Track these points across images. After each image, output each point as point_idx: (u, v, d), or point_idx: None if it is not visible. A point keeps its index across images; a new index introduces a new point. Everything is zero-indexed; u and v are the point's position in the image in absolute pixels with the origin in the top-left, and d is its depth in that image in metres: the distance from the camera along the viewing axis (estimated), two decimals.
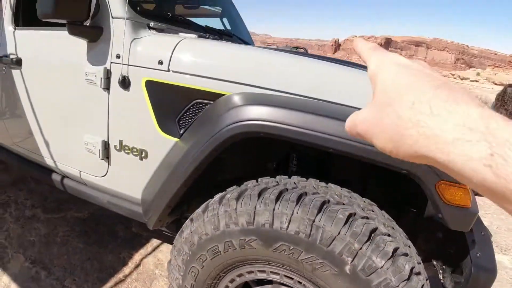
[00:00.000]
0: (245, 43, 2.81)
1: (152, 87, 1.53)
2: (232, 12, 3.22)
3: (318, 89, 1.28)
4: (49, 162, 2.12)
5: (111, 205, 1.83)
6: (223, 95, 1.38)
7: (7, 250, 2.35)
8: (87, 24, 1.67)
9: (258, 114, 1.18)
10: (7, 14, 2.17)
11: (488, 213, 4.19)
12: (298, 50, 1.99)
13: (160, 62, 1.49)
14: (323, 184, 1.30)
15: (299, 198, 1.16)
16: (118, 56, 1.61)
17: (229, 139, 1.23)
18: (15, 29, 2.12)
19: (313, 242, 1.06)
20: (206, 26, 2.29)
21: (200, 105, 1.45)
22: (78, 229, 2.66)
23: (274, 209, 1.14)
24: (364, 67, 1.84)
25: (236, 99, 1.28)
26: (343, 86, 1.31)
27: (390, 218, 1.27)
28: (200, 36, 1.74)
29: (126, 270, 2.27)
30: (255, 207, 1.17)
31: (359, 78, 1.33)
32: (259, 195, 1.19)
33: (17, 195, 3.12)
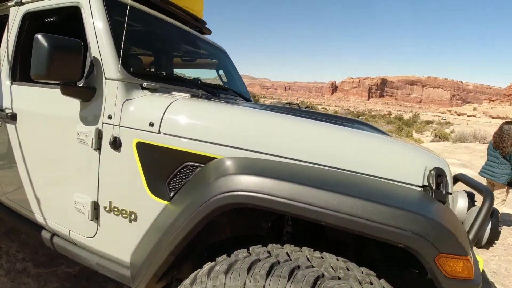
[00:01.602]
0: (240, 95, 2.81)
1: (143, 148, 1.49)
2: (228, 64, 3.26)
3: (311, 153, 1.26)
4: (39, 218, 2.05)
5: (100, 267, 1.74)
6: (214, 158, 1.34)
7: None
8: (81, 84, 1.67)
9: (246, 185, 1.12)
10: (5, 68, 2.18)
11: (496, 255, 4.04)
12: (291, 105, 1.97)
13: (151, 124, 1.47)
14: (317, 254, 1.22)
15: (291, 273, 1.08)
16: (110, 117, 1.58)
17: (217, 210, 1.17)
18: (11, 83, 2.12)
19: None
20: (200, 81, 2.30)
21: (191, 168, 1.41)
22: (68, 286, 2.53)
23: (264, 286, 1.07)
24: (354, 122, 1.82)
25: (225, 166, 1.24)
26: (337, 148, 1.29)
27: None
28: (193, 95, 1.72)
29: None
30: (245, 283, 1.09)
31: (351, 139, 1.33)
32: (249, 269, 1.12)
33: (9, 246, 3.02)
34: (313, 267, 1.14)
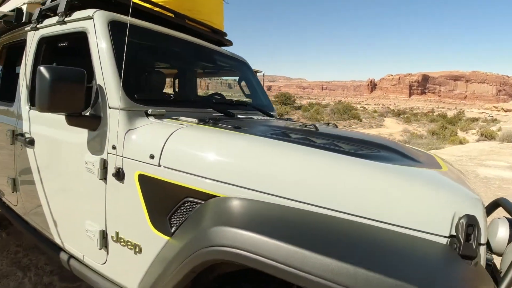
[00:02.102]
0: (260, 109, 2.72)
1: (145, 181, 1.45)
2: (249, 75, 3.19)
3: (318, 196, 1.13)
4: (57, 240, 2.09)
5: None
6: (214, 195, 1.27)
7: None
8: (88, 113, 1.66)
9: (240, 242, 1.02)
10: (24, 92, 2.24)
11: None
12: (307, 127, 1.85)
13: (152, 156, 1.42)
14: None
15: None
16: (114, 147, 1.56)
17: (208, 262, 1.10)
18: (30, 108, 2.17)
19: None
20: (214, 100, 2.24)
21: (191, 204, 1.34)
22: None
23: None
24: (376, 146, 1.66)
25: (222, 212, 1.15)
26: (345, 190, 1.13)
27: None
28: (200, 121, 1.66)
29: None
30: None
31: (362, 177, 1.14)
32: None
33: (38, 259, 3.13)
34: None
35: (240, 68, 3.17)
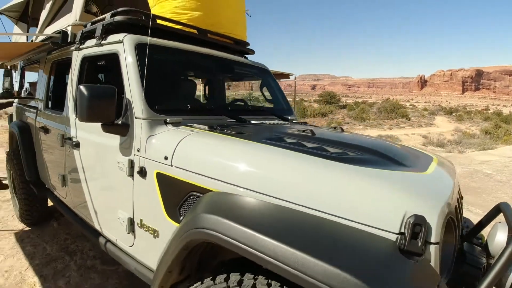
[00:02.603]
0: (274, 114, 3.02)
1: (161, 178, 1.81)
2: (270, 81, 3.49)
3: (291, 193, 1.37)
4: (97, 227, 2.54)
5: (137, 272, 2.11)
6: (209, 190, 1.59)
7: None
8: (120, 122, 2.06)
9: (215, 226, 1.31)
10: (71, 103, 2.71)
11: None
12: (304, 132, 2.11)
13: (166, 158, 1.78)
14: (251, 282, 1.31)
15: None
16: (138, 150, 1.94)
17: (190, 242, 1.42)
18: (76, 117, 2.63)
19: None
20: (230, 107, 2.58)
21: (195, 197, 1.68)
22: (125, 283, 3.03)
23: None
24: (367, 152, 1.85)
25: (209, 203, 1.46)
26: (313, 189, 1.35)
27: None
28: (209, 127, 2.00)
29: None
30: None
31: (330, 178, 1.37)
32: None
33: (83, 245, 3.67)
34: None
35: (260, 74, 3.49)
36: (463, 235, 1.86)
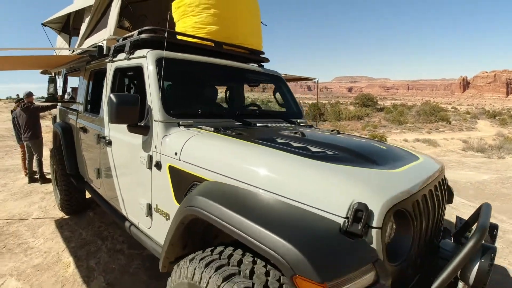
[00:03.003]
0: (281, 117, 3.40)
1: (172, 170, 2.24)
2: (282, 87, 3.87)
3: (260, 181, 1.74)
4: (124, 212, 3.02)
5: (153, 250, 2.55)
6: (205, 180, 1.99)
7: (94, 272, 3.39)
8: (142, 124, 2.52)
9: (203, 205, 1.69)
10: (105, 108, 3.22)
11: None
12: (296, 134, 2.46)
13: (176, 153, 2.21)
14: (249, 259, 1.61)
15: (219, 268, 1.58)
16: (156, 147, 2.39)
17: (185, 218, 1.82)
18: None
19: None
20: (239, 112, 2.98)
21: (196, 186, 2.09)
22: (147, 265, 3.51)
23: (205, 274, 1.61)
24: (339, 150, 2.15)
25: (201, 188, 1.86)
26: (281, 178, 1.70)
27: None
28: (215, 129, 2.41)
29: None
30: (199, 273, 1.67)
31: (295, 170, 1.71)
32: (206, 265, 1.66)
33: (114, 232, 4.21)
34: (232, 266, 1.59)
35: (273, 81, 3.87)
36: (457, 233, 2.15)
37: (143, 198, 2.59)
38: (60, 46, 5.86)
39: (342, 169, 1.74)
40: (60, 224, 4.63)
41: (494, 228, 2.09)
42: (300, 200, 1.60)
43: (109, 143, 3.06)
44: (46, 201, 5.64)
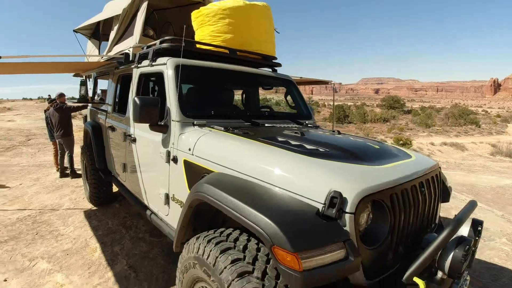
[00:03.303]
0: (289, 119, 3.71)
1: (186, 164, 2.60)
2: (293, 90, 4.17)
3: (255, 172, 2.06)
4: (146, 202, 3.41)
5: (170, 236, 2.91)
6: (212, 171, 2.33)
7: (118, 256, 3.80)
8: (162, 123, 2.88)
9: (206, 190, 2.04)
10: (131, 108, 3.61)
11: None
12: (296, 134, 2.77)
13: (189, 149, 2.56)
14: (244, 237, 1.94)
15: (218, 243, 1.91)
16: (173, 144, 2.75)
17: (192, 204, 2.17)
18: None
19: (215, 268, 1.80)
20: (249, 113, 3.32)
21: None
22: (166, 251, 3.90)
23: (207, 249, 1.95)
24: (326, 146, 2.43)
25: (208, 178, 2.21)
26: (273, 170, 2.00)
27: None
28: (225, 128, 2.74)
29: None
30: (205, 246, 2.00)
31: (285, 163, 2.02)
32: (209, 241, 1.99)
33: (138, 222, 4.64)
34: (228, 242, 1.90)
35: (284, 84, 4.18)
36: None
37: (162, 189, 2.96)
38: (91, 51, 6.37)
39: (327, 163, 2.02)
40: (88, 215, 5.10)
41: (478, 223, 2.28)
42: (287, 188, 1.90)
43: (134, 140, 3.47)
44: (76, 194, 6.17)
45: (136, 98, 2.66)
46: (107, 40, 5.72)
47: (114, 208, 5.33)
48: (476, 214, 6.02)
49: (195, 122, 2.82)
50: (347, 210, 1.69)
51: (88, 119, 5.98)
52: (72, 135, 7.42)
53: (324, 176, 1.86)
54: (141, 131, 3.37)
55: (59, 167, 7.58)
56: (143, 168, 3.37)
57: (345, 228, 1.68)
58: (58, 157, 7.60)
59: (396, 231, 1.97)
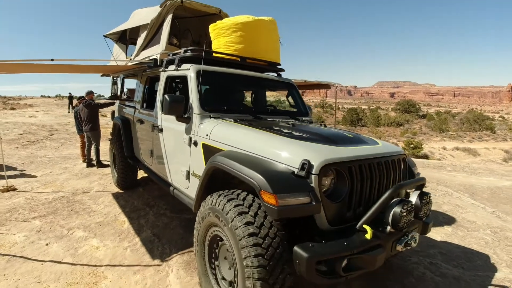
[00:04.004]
0: (288, 115, 4.55)
1: (204, 146, 3.44)
2: (294, 92, 5.02)
3: (253, 148, 2.90)
4: (169, 180, 4.28)
5: (189, 204, 3.75)
6: (222, 150, 3.17)
7: (144, 227, 4.72)
8: (186, 115, 3.73)
9: (219, 161, 2.89)
10: (158, 105, 4.49)
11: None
12: (288, 124, 3.60)
13: (207, 135, 3.41)
14: (243, 195, 2.75)
15: (226, 196, 2.76)
16: (194, 131, 3.61)
17: (208, 171, 3.00)
18: (162, 113, 4.39)
19: (223, 211, 2.62)
20: (254, 109, 4.16)
21: None
22: (183, 224, 4.78)
23: (218, 200, 2.77)
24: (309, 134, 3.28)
25: (221, 153, 3.04)
26: (265, 147, 2.85)
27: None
28: (234, 120, 3.58)
29: None
30: (217, 201, 2.83)
31: (275, 142, 2.87)
32: (219, 196, 2.82)
33: (159, 202, 5.53)
34: (237, 196, 2.74)
35: (286, 87, 5.02)
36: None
37: (184, 167, 3.82)
38: (117, 53, 7.30)
39: (304, 143, 2.87)
40: (116, 196, 6.02)
41: (424, 194, 3.05)
42: (274, 159, 2.73)
43: (161, 130, 4.34)
44: (104, 180, 7.11)
45: (166, 96, 3.51)
46: (133, 44, 6.66)
47: (139, 192, 6.24)
48: (467, 210, 6.55)
49: (211, 115, 3.67)
50: (313, 172, 2.49)
51: (116, 114, 6.91)
52: (99, 129, 8.38)
53: (300, 150, 2.69)
54: (167, 122, 4.24)
55: (85, 158, 8.54)
56: (168, 152, 4.23)
57: (311, 185, 2.48)
58: (85, 149, 8.56)
59: (354, 194, 2.74)
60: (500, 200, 7.79)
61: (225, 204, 2.63)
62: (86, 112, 8.07)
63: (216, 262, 2.93)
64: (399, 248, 2.68)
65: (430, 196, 3.04)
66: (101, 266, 3.75)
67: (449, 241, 4.91)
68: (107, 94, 7.89)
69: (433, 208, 6.48)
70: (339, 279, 2.38)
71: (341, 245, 2.39)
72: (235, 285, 2.58)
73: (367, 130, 40.12)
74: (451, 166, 13.90)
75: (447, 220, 5.89)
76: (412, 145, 25.96)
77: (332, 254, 2.31)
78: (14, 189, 6.37)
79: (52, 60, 3.93)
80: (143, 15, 6.05)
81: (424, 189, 3.14)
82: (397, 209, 2.60)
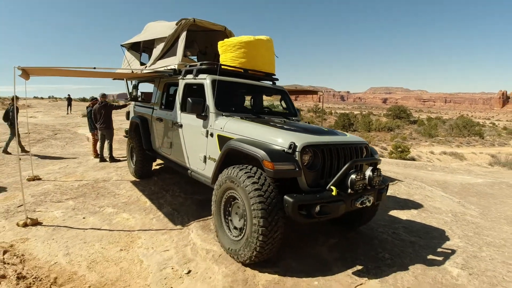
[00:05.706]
0: (281, 115, 5.88)
1: (219, 137, 4.74)
2: (286, 97, 6.38)
3: (257, 136, 4.18)
4: (187, 164, 5.57)
5: (205, 181, 5.02)
6: (232, 138, 4.45)
7: (163, 204, 6.02)
8: (203, 114, 5.02)
9: (233, 144, 4.17)
10: (178, 106, 5.77)
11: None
12: (280, 120, 4.92)
13: (221, 128, 4.71)
14: (250, 167, 4.09)
15: (239, 167, 4.05)
16: (210, 125, 4.91)
17: (225, 151, 4.29)
18: (181, 112, 5.68)
19: (238, 178, 3.89)
20: (255, 110, 5.48)
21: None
22: (196, 203, 6.08)
23: (234, 170, 4.06)
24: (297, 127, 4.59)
25: (232, 140, 4.32)
26: (265, 135, 4.12)
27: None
28: (241, 118, 4.88)
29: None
30: (231, 172, 4.12)
31: (271, 132, 4.16)
32: (233, 167, 4.12)
33: (174, 187, 6.83)
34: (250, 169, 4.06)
35: (280, 93, 6.38)
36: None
37: (201, 153, 5.10)
38: (130, 59, 8.51)
39: (292, 133, 4.17)
40: (134, 183, 7.29)
41: (376, 169, 4.35)
42: (271, 142, 4.03)
43: (180, 126, 5.62)
44: (120, 171, 8.37)
45: (189, 99, 4.79)
46: (145, 53, 7.95)
47: (154, 180, 7.52)
48: (435, 200, 7.67)
49: (223, 113, 4.97)
50: (297, 150, 3.81)
51: (131, 114, 8.18)
52: (112, 128, 9.61)
53: (288, 136, 4.00)
54: (186, 119, 5.53)
55: (97, 153, 9.75)
56: (187, 142, 5.52)
57: (296, 158, 3.80)
58: (98, 146, 9.77)
59: (325, 167, 4.07)
60: (469, 193, 8.82)
61: (238, 172, 3.93)
62: (102, 112, 9.29)
63: (229, 218, 4.23)
64: (357, 204, 3.96)
65: (380, 170, 4.35)
66: (134, 230, 4.99)
67: (413, 219, 6.16)
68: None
69: (404, 197, 7.82)
70: (314, 219, 3.67)
71: (315, 196, 3.70)
72: (245, 228, 3.86)
73: (359, 135, 41.18)
74: (432, 166, 15.12)
75: (415, 206, 7.12)
76: (400, 149, 27.27)
77: (309, 201, 3.62)
78: (39, 179, 7.49)
79: (94, 68, 5.22)
80: (159, 30, 7.33)
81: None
82: (353, 176, 3.90)
